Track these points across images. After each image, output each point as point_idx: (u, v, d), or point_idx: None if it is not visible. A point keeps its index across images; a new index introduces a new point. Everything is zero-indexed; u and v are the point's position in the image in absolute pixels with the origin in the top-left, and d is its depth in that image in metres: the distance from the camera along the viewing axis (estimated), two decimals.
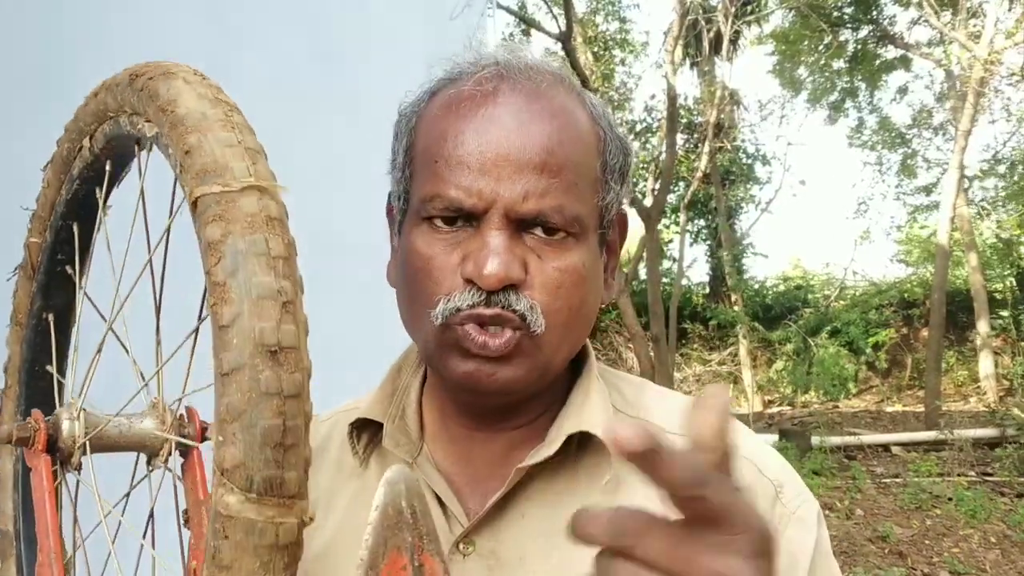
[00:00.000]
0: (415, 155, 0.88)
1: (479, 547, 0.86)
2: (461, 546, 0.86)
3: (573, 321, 0.86)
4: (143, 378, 0.73)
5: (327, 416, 1.04)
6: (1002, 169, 17.07)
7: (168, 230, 0.68)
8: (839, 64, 18.21)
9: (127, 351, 0.77)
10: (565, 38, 10.16)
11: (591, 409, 0.90)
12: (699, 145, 16.41)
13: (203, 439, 0.75)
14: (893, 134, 19.18)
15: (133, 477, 0.74)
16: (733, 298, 16.79)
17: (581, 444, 0.89)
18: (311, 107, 3.32)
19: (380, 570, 0.53)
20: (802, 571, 0.87)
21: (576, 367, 0.96)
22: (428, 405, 0.97)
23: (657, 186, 12.78)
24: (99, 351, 0.78)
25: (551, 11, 11.65)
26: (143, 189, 0.73)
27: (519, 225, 0.83)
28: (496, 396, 0.87)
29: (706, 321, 16.92)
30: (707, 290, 19.53)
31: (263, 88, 2.91)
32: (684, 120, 17.01)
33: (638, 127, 17.89)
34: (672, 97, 12.41)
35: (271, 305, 0.51)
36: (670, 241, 19.45)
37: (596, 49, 16.72)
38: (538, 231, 0.83)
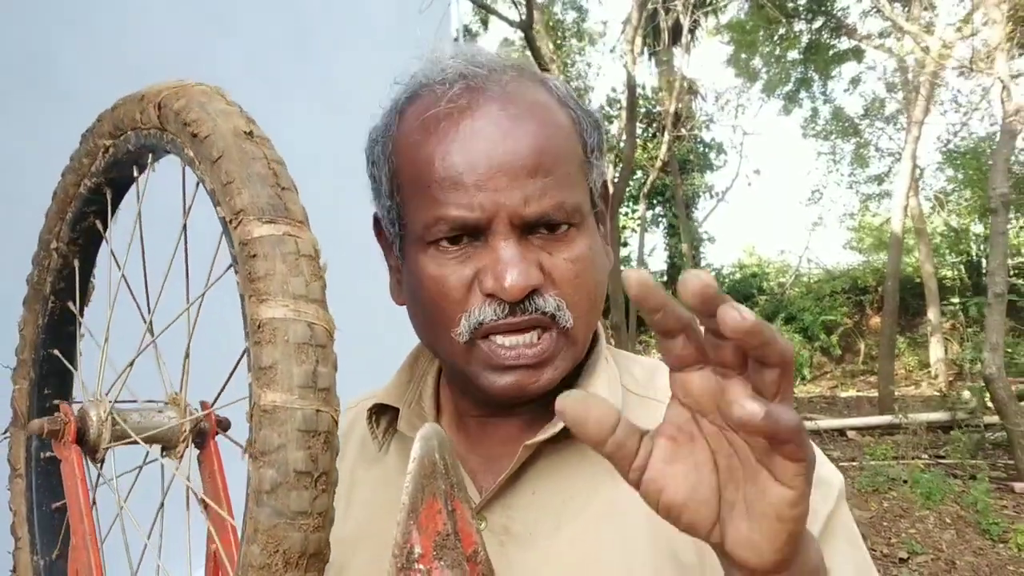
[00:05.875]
0: (403, 182, 0.88)
1: (491, 523, 0.88)
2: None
3: (593, 306, 0.89)
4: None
5: (352, 404, 1.07)
6: (955, 159, 17.40)
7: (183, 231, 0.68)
8: (793, 55, 18.44)
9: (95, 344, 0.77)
10: (526, 27, 10.13)
11: (596, 388, 0.92)
12: (658, 134, 16.51)
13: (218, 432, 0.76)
14: (846, 124, 19.48)
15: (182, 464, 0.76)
16: None
17: None
18: (283, 93, 3.30)
19: (420, 513, 0.58)
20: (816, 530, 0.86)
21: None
22: (444, 392, 1.00)
23: (617, 175, 12.83)
24: (105, 342, 0.78)
25: None
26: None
27: (523, 229, 0.84)
28: (539, 399, 0.88)
29: None
30: (665, 278, 19.69)
31: (236, 75, 2.87)
32: (643, 109, 17.09)
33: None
34: (631, 87, 12.47)
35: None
36: (624, 228, 19.55)
37: (555, 39, 16.71)
38: (542, 230, 0.84)
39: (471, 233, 0.84)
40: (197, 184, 0.62)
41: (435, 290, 0.85)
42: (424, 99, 0.87)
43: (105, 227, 0.78)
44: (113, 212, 0.76)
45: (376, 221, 0.97)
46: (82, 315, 0.84)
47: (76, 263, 0.80)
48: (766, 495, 0.56)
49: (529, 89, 0.88)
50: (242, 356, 0.58)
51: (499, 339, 0.83)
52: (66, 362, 0.84)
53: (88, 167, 0.72)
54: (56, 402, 0.85)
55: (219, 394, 0.74)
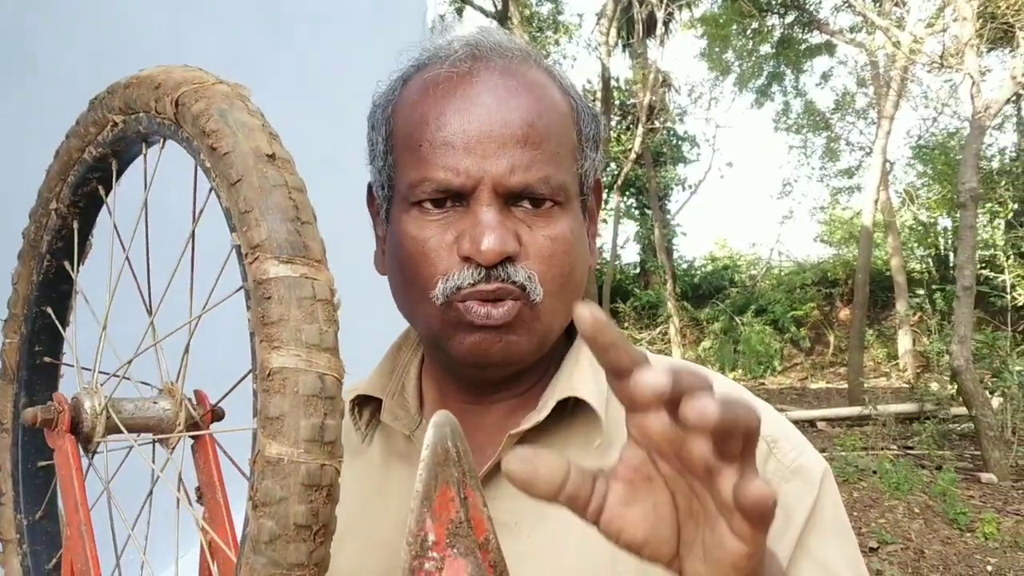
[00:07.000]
0: (396, 143, 0.89)
1: None
2: None
3: (567, 288, 0.88)
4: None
5: None
6: (925, 154, 17.64)
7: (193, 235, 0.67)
8: (766, 49, 18.58)
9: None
10: (501, 18, 10.12)
11: (581, 375, 0.91)
12: (631, 126, 16.57)
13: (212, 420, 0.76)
14: (817, 118, 19.67)
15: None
16: (664, 278, 17.06)
17: (572, 410, 0.90)
18: (259, 81, 3.28)
19: (433, 500, 0.57)
20: (795, 528, 0.86)
21: (569, 335, 0.97)
22: (427, 382, 0.99)
23: None
24: (104, 329, 0.77)
25: None
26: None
27: (507, 199, 0.84)
28: (501, 366, 0.88)
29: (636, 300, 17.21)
30: (638, 270, 19.79)
31: (213, 62, 2.85)
32: (617, 101, 17.14)
33: None
34: (606, 79, 12.51)
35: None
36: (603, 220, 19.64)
37: (531, 30, 16.69)
38: (525, 203, 0.85)
39: (455, 197, 0.84)
40: (210, 190, 0.60)
41: (415, 251, 0.85)
42: (430, 67, 0.89)
43: (108, 192, 0.77)
44: (117, 179, 0.75)
45: (369, 190, 0.97)
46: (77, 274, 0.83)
47: (75, 224, 0.79)
48: (723, 546, 0.55)
49: (532, 69, 0.89)
50: (246, 375, 0.58)
51: (474, 303, 0.84)
52: (57, 322, 0.82)
53: (95, 136, 0.71)
54: (47, 359, 0.84)
55: (222, 398, 0.74)
